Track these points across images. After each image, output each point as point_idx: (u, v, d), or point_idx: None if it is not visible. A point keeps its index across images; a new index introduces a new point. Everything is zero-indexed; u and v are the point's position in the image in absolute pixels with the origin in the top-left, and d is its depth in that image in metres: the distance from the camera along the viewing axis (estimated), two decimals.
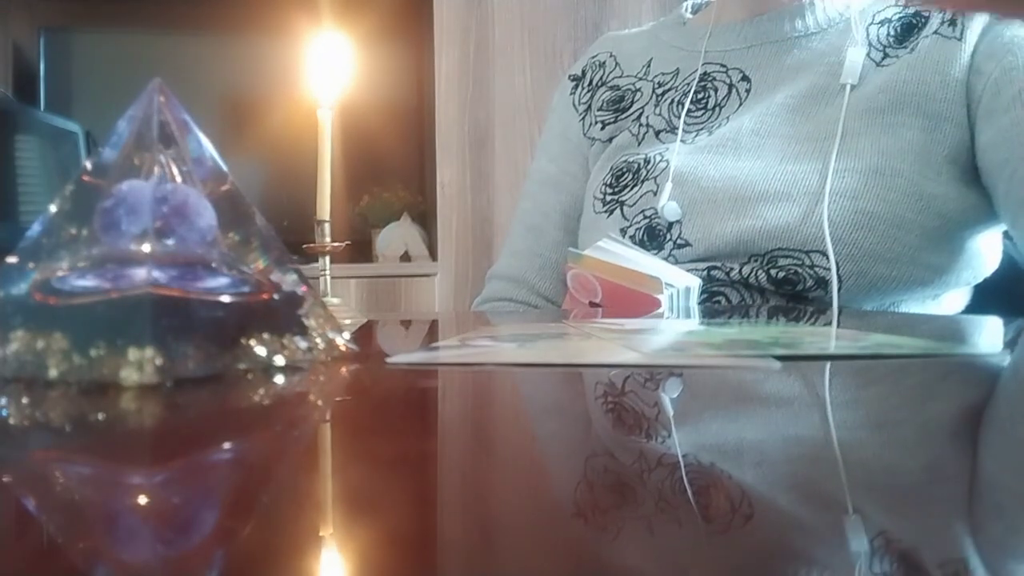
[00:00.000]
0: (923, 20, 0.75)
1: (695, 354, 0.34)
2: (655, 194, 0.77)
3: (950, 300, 0.76)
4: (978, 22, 0.72)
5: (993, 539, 0.13)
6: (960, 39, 0.72)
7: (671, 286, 0.65)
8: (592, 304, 0.68)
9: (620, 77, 0.90)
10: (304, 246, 0.57)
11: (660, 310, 0.61)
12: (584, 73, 0.94)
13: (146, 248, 0.30)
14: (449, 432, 0.23)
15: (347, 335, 0.36)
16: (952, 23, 0.73)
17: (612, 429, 0.23)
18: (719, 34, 0.85)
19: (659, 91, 0.86)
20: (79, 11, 2.12)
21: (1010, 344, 0.42)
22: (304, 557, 0.13)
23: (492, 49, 1.97)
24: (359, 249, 2.08)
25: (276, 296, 0.34)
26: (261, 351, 0.31)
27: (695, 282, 0.68)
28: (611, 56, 0.93)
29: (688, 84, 0.84)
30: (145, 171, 0.32)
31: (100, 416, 0.24)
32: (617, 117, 0.88)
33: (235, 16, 2.07)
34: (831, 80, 0.76)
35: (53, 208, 0.32)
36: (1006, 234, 0.76)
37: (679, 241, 0.74)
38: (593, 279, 0.67)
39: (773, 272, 0.70)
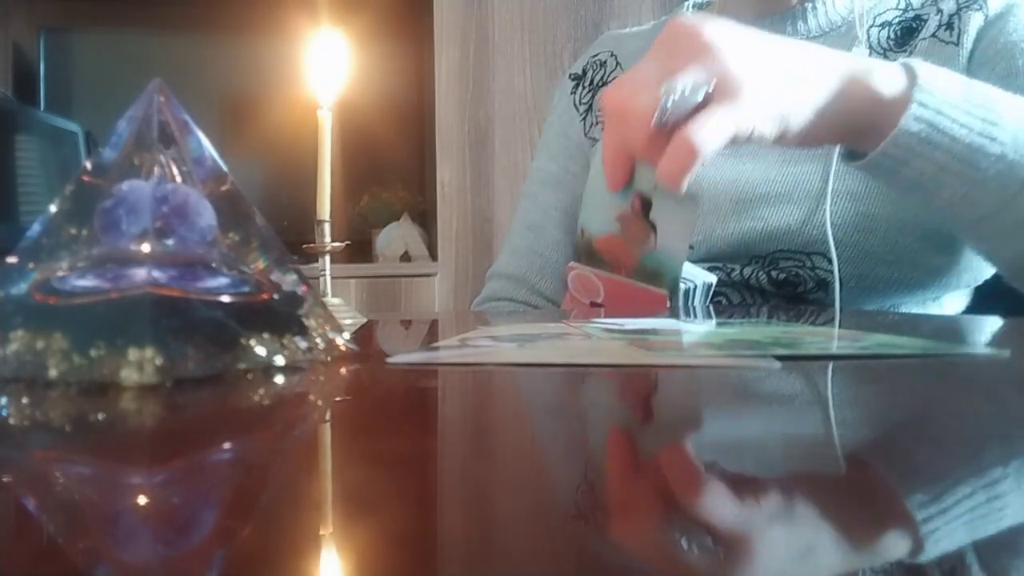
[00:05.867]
0: (921, 23, 0.75)
1: (695, 354, 0.34)
2: None
3: (951, 302, 0.76)
4: (974, 26, 0.72)
5: (993, 538, 0.13)
6: (957, 44, 0.72)
7: (690, 281, 0.64)
8: (593, 304, 0.68)
9: None
10: (304, 246, 0.57)
11: (665, 312, 0.61)
12: (585, 72, 0.94)
13: (146, 248, 0.30)
14: (449, 432, 0.23)
15: (347, 335, 0.36)
16: (949, 27, 0.73)
17: (612, 429, 0.23)
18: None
19: None
20: (79, 11, 2.13)
21: (1010, 344, 0.42)
22: (304, 557, 0.13)
23: (492, 49, 1.97)
24: (359, 249, 2.09)
25: (276, 296, 0.34)
26: (261, 351, 0.31)
27: (712, 279, 0.68)
28: (612, 55, 0.93)
29: None
30: (145, 171, 0.32)
31: (100, 416, 0.24)
32: None
33: (235, 16, 2.07)
34: None
35: (53, 208, 0.32)
36: None
37: None
38: (595, 278, 0.66)
39: (774, 274, 0.70)
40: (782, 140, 0.54)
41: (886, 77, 0.54)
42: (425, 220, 2.17)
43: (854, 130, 0.56)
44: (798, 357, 0.32)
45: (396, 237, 2.08)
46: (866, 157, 0.55)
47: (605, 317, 0.54)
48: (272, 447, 0.21)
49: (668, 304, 0.62)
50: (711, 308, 0.67)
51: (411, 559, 0.13)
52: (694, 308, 0.65)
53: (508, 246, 0.95)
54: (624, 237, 0.61)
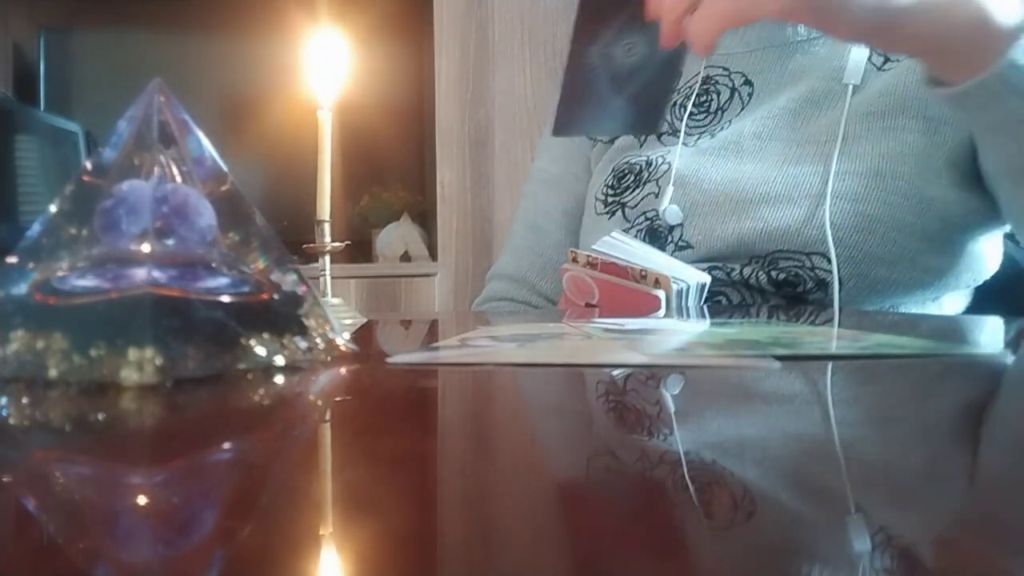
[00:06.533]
0: None
1: (695, 354, 0.34)
2: (657, 196, 0.77)
3: (950, 302, 0.76)
4: None
5: (992, 537, 0.13)
6: None
7: (682, 281, 0.64)
8: (588, 305, 0.68)
9: None
10: (304, 246, 0.57)
11: (659, 312, 0.61)
12: None
13: (146, 248, 0.30)
14: (449, 432, 0.23)
15: (347, 335, 0.36)
16: None
17: (612, 429, 0.23)
18: (721, 37, 0.85)
19: None
20: (79, 11, 2.12)
21: (1010, 344, 0.42)
22: (304, 557, 0.13)
23: (492, 49, 1.97)
24: (359, 249, 2.08)
25: (276, 296, 0.34)
26: (261, 351, 0.31)
27: (706, 279, 0.68)
28: None
29: (691, 87, 0.84)
30: (145, 171, 0.32)
31: (100, 416, 0.24)
32: None
33: (235, 16, 2.07)
34: (832, 84, 0.76)
35: (53, 208, 0.32)
36: (1009, 236, 0.76)
37: (680, 243, 0.75)
38: (589, 280, 0.66)
39: (774, 273, 0.70)
40: (833, 30, 0.50)
41: (1002, 2, 0.50)
42: (425, 220, 2.17)
43: (943, 48, 0.52)
44: (798, 357, 0.32)
45: (396, 237, 2.08)
46: (955, 85, 0.51)
47: (602, 317, 0.54)
48: (272, 447, 0.21)
49: (660, 306, 0.62)
50: (706, 308, 0.67)
51: (411, 559, 0.13)
52: (688, 308, 0.65)
53: (509, 246, 0.95)
54: None
